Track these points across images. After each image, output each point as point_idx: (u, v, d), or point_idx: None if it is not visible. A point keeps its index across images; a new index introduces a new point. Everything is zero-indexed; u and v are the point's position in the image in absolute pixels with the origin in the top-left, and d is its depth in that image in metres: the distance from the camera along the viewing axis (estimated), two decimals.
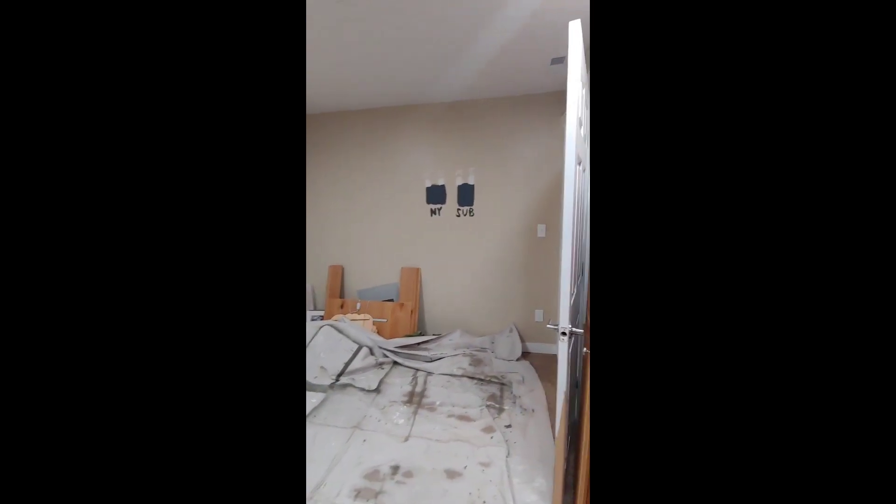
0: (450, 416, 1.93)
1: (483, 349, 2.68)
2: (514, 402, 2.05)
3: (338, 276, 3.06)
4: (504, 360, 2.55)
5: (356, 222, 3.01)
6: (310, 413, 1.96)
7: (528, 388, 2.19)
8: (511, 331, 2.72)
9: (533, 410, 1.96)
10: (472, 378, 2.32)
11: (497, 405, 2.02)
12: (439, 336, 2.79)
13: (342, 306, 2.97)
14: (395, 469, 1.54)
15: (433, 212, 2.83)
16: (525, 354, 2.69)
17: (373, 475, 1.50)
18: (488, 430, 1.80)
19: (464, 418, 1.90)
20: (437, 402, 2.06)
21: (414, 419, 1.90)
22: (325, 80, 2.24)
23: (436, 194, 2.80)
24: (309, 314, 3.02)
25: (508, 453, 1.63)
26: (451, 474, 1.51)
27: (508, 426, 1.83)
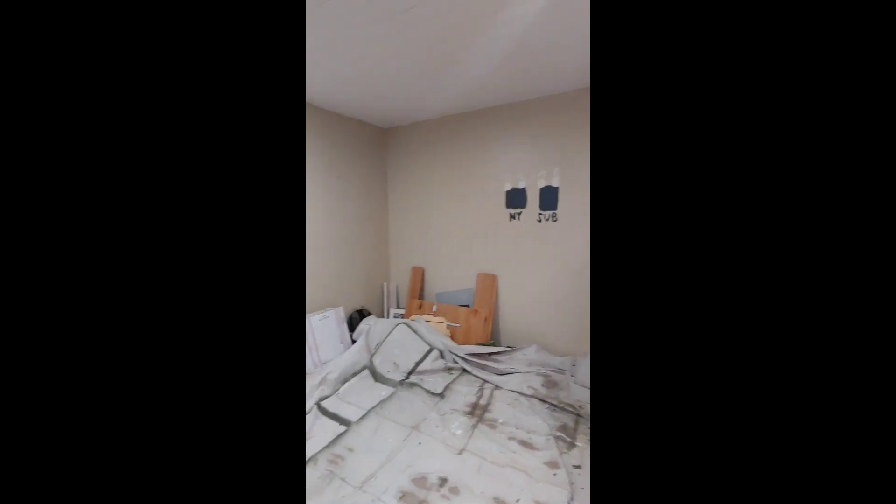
0: (511, 438, 1.77)
1: (561, 370, 2.39)
2: (590, 440, 1.75)
3: (418, 277, 3.20)
4: (585, 387, 2.22)
5: (437, 226, 3.10)
6: (377, 405, 2.08)
7: None
8: None
9: None
10: (544, 401, 2.08)
11: (568, 438, 1.76)
12: (513, 349, 2.62)
13: (420, 307, 3.09)
14: (443, 481, 1.48)
15: (512, 216, 2.69)
16: None
17: (420, 481, 1.48)
18: (552, 465, 1.57)
19: (526, 444, 1.71)
20: (500, 420, 1.92)
21: (472, 433, 1.81)
22: (395, 92, 2.37)
23: (516, 198, 2.66)
24: (391, 311, 3.24)
25: (571, 498, 1.39)
26: None
27: (577, 466, 1.57)
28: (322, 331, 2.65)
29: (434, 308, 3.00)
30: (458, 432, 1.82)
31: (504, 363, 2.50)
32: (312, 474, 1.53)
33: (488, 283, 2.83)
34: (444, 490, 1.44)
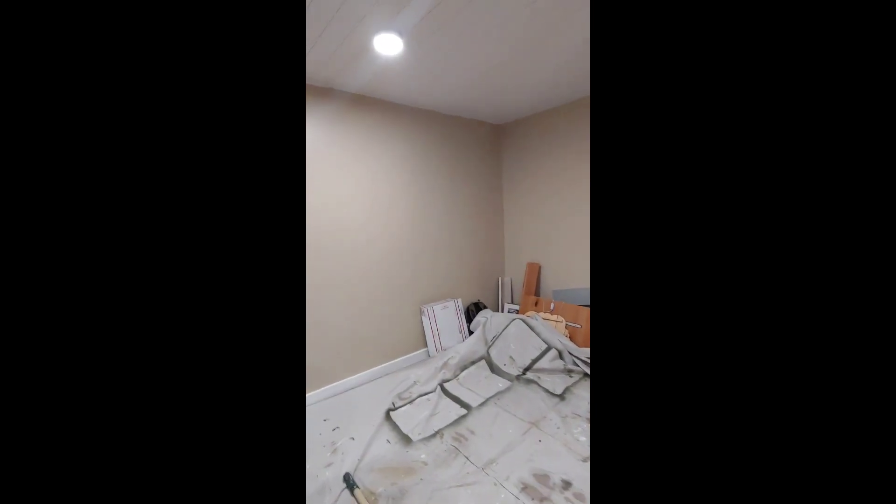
0: None
1: None
2: None
3: (534, 273, 3.13)
4: None
5: (555, 221, 2.95)
6: (495, 395, 2.14)
7: None
8: None
9: None
10: None
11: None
12: None
13: (536, 304, 3.01)
14: (567, 485, 1.42)
15: None
16: None
17: (542, 478, 1.46)
18: None
19: None
20: None
21: None
22: (515, 89, 2.33)
23: None
24: (506, 306, 3.26)
25: None
26: None
27: None
28: (443, 319, 2.88)
29: (552, 306, 2.88)
30: (582, 439, 1.71)
31: None
32: (440, 446, 1.70)
33: None
34: (569, 494, 1.38)
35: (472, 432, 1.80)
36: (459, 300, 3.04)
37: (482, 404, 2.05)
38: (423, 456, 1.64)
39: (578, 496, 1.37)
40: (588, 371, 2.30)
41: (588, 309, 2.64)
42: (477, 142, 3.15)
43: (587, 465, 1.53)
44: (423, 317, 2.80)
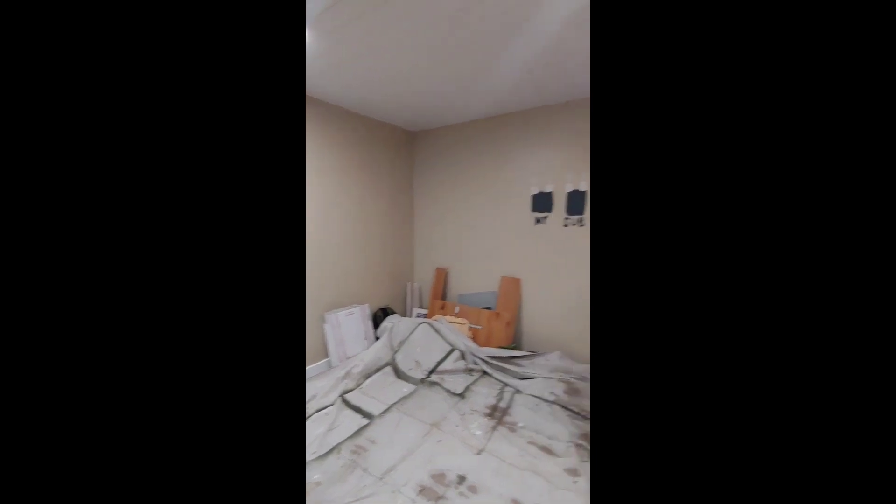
0: (531, 442, 1.75)
1: (584, 378, 2.34)
2: None
3: (442, 278, 3.24)
4: None
5: (462, 227, 3.13)
6: (399, 401, 2.12)
7: None
8: None
9: None
10: (566, 408, 2.05)
11: (589, 447, 1.72)
12: (535, 354, 2.59)
13: (443, 308, 3.12)
14: (462, 479, 1.50)
15: (538, 220, 2.67)
16: None
17: (439, 477, 1.51)
18: (572, 472, 1.55)
19: (546, 450, 1.70)
20: (520, 424, 1.91)
21: (492, 434, 1.81)
22: (425, 97, 2.43)
23: (542, 202, 2.64)
24: (414, 311, 3.29)
25: None
26: None
27: None
28: (348, 326, 2.74)
29: (456, 309, 3.02)
30: (478, 433, 1.83)
31: (526, 368, 2.48)
32: (336, 463, 1.60)
33: (512, 287, 2.82)
34: (463, 488, 1.45)
35: (373, 442, 1.75)
36: (367, 306, 2.94)
37: (385, 411, 2.01)
38: (316, 476, 1.52)
39: (471, 489, 1.45)
40: (487, 370, 2.49)
41: (487, 311, 2.86)
42: (390, 146, 3.13)
43: (481, 457, 1.64)
44: (325, 325, 2.62)
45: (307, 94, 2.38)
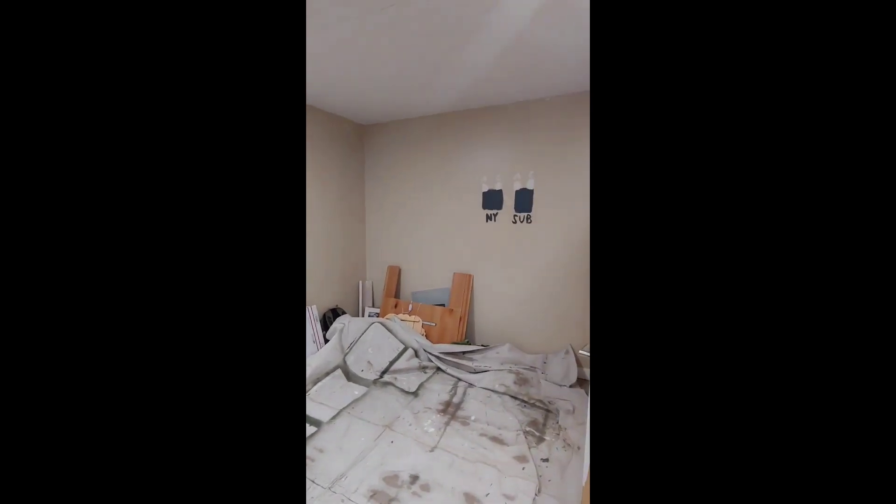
0: (482, 434, 1.80)
1: (532, 368, 2.46)
2: (558, 434, 1.81)
3: (394, 276, 3.19)
4: (555, 384, 2.30)
5: (414, 225, 3.10)
6: (349, 404, 2.05)
7: (576, 421, 1.92)
8: (567, 352, 2.44)
9: (578, 448, 1.71)
10: (515, 398, 2.14)
11: (537, 433, 1.82)
12: (486, 347, 2.67)
13: (396, 306, 3.07)
14: (415, 479, 1.49)
15: (489, 217, 2.73)
16: (581, 381, 2.38)
17: (391, 479, 1.48)
18: (521, 459, 1.62)
19: (497, 440, 1.76)
20: (472, 418, 1.95)
21: (445, 430, 1.83)
22: (378, 90, 2.36)
23: (492, 199, 2.70)
24: (366, 310, 3.20)
25: (538, 491, 1.44)
26: (470, 499, 1.39)
27: (545, 460, 1.62)
28: None
29: (410, 307, 3.00)
30: (431, 430, 1.83)
31: (478, 361, 2.54)
32: None
33: (464, 283, 2.86)
34: (416, 487, 1.45)
35: (321, 451, 1.66)
36: (315, 307, 2.79)
37: (334, 417, 1.93)
38: None
39: (424, 487, 1.45)
40: (441, 366, 2.50)
41: (441, 308, 2.88)
42: (339, 139, 2.98)
43: (433, 454, 1.65)
44: None
45: None
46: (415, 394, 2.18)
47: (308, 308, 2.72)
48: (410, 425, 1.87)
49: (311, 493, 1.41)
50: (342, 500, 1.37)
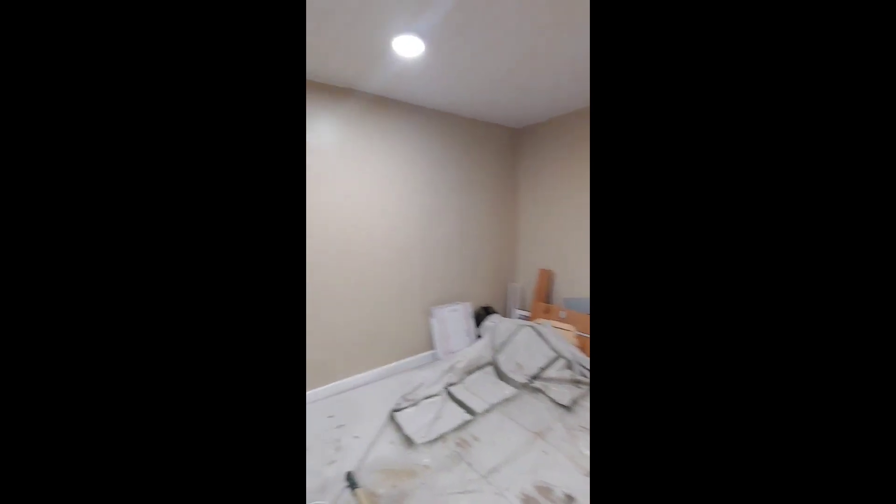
0: None
1: None
2: None
3: (546, 280, 3.08)
4: None
5: (568, 227, 2.91)
6: (501, 402, 2.11)
7: None
8: None
9: None
10: None
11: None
12: None
13: (547, 311, 2.96)
14: (570, 500, 1.39)
15: None
16: None
17: (545, 491, 1.43)
18: None
19: None
20: None
21: None
22: (531, 94, 2.30)
23: None
24: (516, 312, 3.23)
25: None
26: None
27: None
28: (451, 322, 2.87)
29: (562, 314, 2.83)
30: (587, 453, 1.67)
31: None
32: (442, 451, 1.69)
33: None
34: None
35: (476, 439, 1.78)
36: (469, 304, 3.02)
37: (487, 410, 2.03)
38: (426, 460, 1.63)
39: None
40: None
41: None
42: (494, 145, 3.13)
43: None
44: (431, 319, 2.80)
45: (409, 102, 2.57)
46: (568, 408, 2.04)
47: (463, 304, 2.97)
48: (564, 441, 1.76)
49: (468, 476, 1.53)
50: (496, 493, 1.42)
